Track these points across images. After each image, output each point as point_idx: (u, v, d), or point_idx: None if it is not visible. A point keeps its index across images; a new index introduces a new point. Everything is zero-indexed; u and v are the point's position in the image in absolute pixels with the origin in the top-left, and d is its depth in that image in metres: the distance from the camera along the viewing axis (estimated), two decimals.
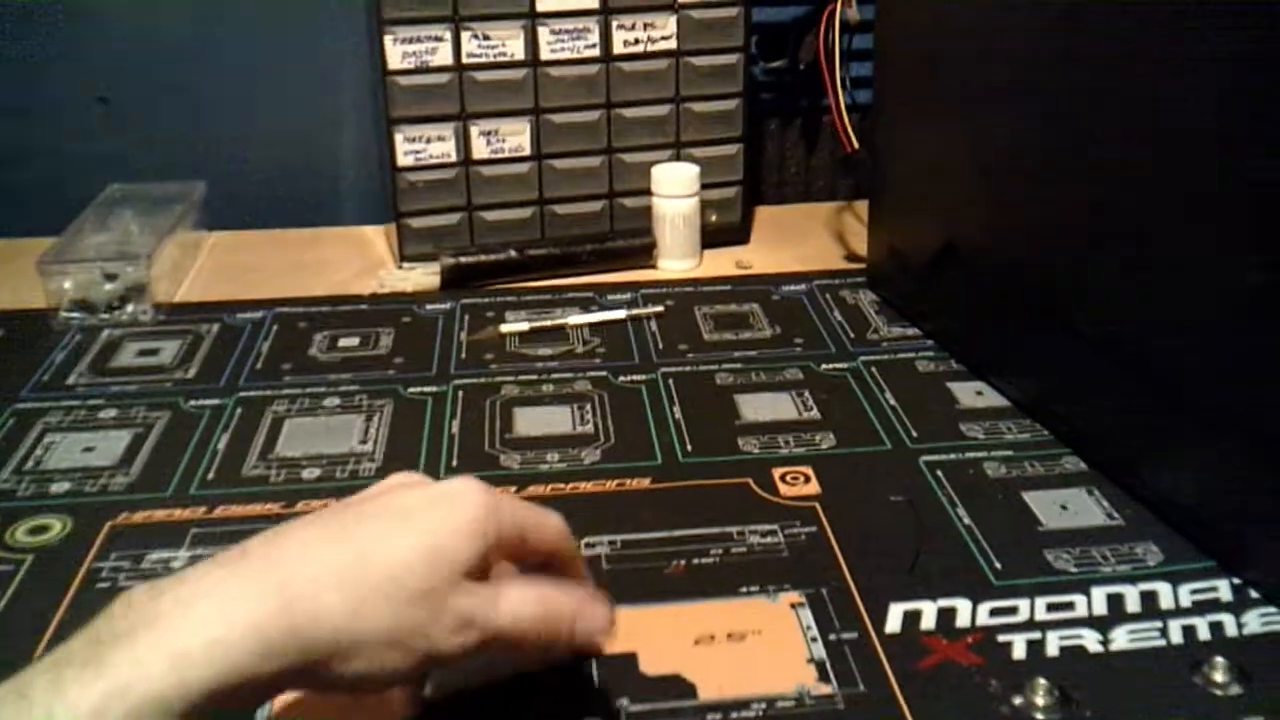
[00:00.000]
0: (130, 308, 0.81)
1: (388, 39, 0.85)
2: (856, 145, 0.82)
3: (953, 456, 0.63)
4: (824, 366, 0.74)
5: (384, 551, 0.37)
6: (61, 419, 0.68)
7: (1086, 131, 0.58)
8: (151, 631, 0.33)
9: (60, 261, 0.80)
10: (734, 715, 0.46)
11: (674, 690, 0.47)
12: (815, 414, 0.68)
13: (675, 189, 0.89)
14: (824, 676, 0.48)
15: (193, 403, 0.70)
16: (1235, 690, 0.46)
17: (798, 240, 0.95)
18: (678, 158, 0.92)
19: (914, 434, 0.66)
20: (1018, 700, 0.46)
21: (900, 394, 0.70)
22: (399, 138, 0.87)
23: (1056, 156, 0.61)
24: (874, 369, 0.73)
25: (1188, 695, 0.46)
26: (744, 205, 0.95)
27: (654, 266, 0.90)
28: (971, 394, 0.70)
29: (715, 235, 0.93)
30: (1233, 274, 0.50)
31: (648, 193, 0.90)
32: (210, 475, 0.63)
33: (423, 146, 0.88)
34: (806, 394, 0.71)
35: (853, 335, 0.78)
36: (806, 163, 1.05)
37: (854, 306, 0.83)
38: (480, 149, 0.89)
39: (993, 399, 0.69)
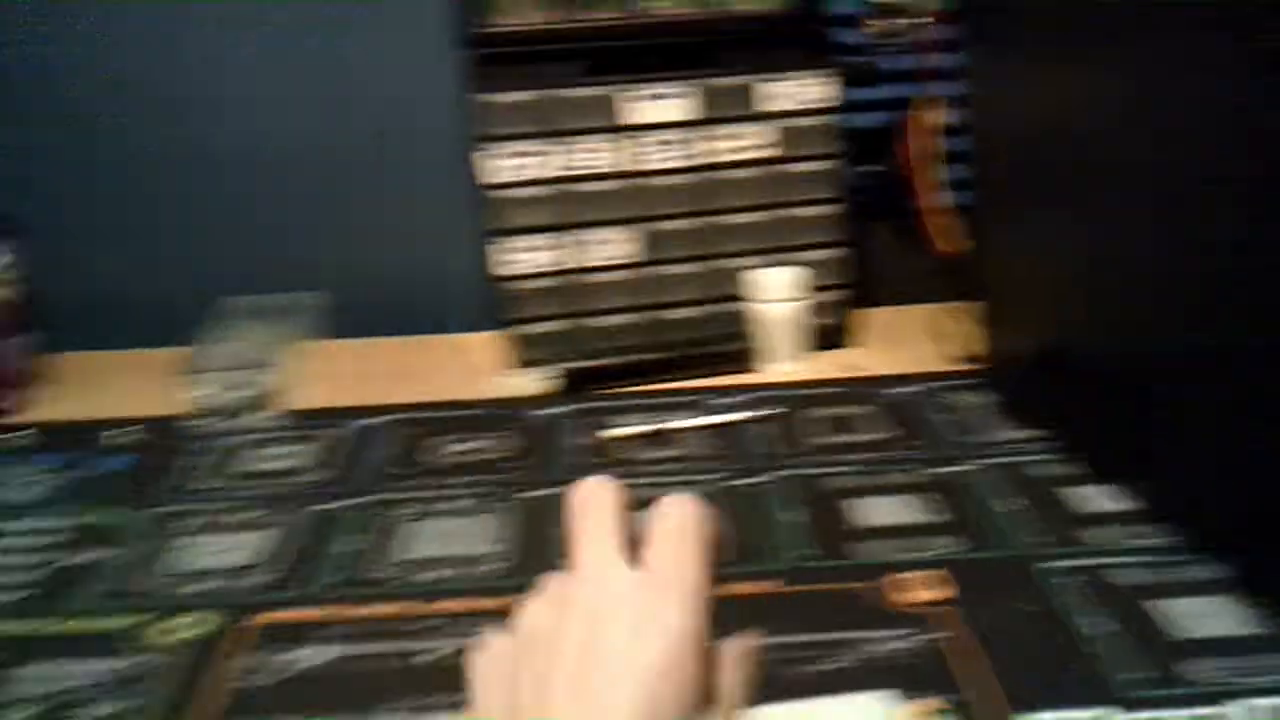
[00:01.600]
0: (257, 414, 0.84)
1: (488, 153, 0.88)
2: (953, 246, 0.83)
3: (1078, 563, 0.63)
4: (941, 470, 0.74)
5: (642, 659, 0.37)
6: (199, 521, 0.71)
7: (1203, 226, 0.58)
8: None
9: (192, 371, 0.84)
10: None
11: None
12: (936, 518, 0.68)
13: (777, 293, 0.90)
14: None
15: (321, 506, 0.72)
16: None
17: (902, 342, 0.96)
18: (779, 262, 0.93)
19: (1036, 539, 0.66)
20: None
21: (1020, 498, 0.70)
22: (506, 247, 0.90)
23: (1171, 252, 0.61)
24: (992, 472, 0.73)
25: None
26: (847, 308, 0.96)
27: (759, 370, 0.91)
28: (1093, 499, 0.70)
29: (819, 338, 0.94)
30: None
31: (750, 297, 0.91)
32: (343, 575, 0.64)
33: (529, 255, 0.90)
34: (925, 498, 0.71)
35: (967, 438, 0.78)
36: (908, 265, 1.06)
37: (966, 408, 0.83)
38: (585, 257, 0.91)
39: (1117, 504, 0.69)
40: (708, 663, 0.39)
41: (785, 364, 0.91)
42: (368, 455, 0.79)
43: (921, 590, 0.61)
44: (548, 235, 0.91)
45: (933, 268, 1.04)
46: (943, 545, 0.65)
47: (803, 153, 0.93)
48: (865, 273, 1.06)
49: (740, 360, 0.91)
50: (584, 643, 0.38)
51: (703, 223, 0.93)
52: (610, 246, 0.92)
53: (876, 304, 1.06)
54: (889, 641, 0.57)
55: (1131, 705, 0.52)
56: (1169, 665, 0.54)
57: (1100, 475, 0.71)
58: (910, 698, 0.53)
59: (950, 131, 0.87)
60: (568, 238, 0.91)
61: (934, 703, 0.52)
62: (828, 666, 0.55)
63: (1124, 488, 0.69)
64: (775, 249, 0.94)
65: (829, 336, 0.95)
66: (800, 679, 0.54)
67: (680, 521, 0.42)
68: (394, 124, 1.01)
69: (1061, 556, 0.64)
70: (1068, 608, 0.59)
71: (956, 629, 0.58)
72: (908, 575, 0.62)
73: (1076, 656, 0.55)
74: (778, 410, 0.83)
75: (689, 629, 0.39)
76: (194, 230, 1.01)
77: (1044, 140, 0.72)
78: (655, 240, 0.92)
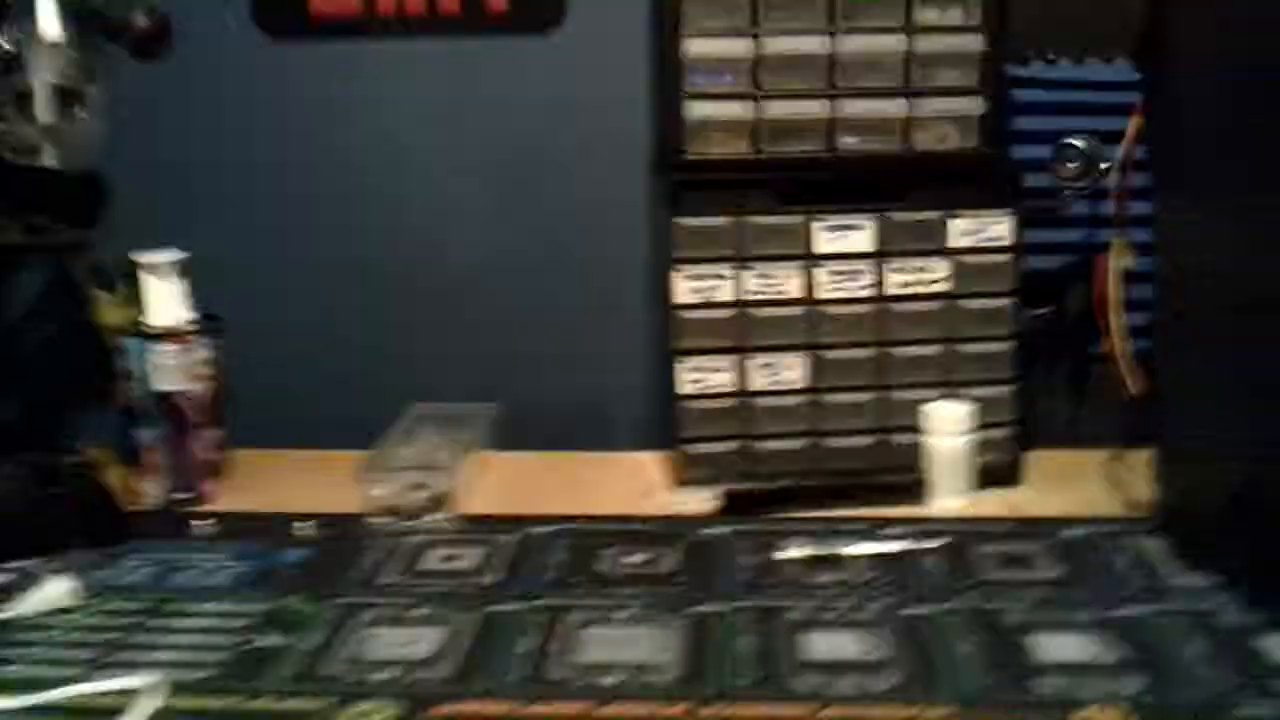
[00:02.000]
0: (435, 515, 0.87)
1: (676, 275, 0.92)
2: (1140, 390, 0.83)
3: (1273, 712, 0.60)
4: (1117, 612, 0.72)
5: None
6: (380, 614, 0.73)
7: None
8: None
9: (375, 471, 0.87)
10: None
11: None
12: (1112, 659, 0.66)
13: (947, 427, 0.90)
14: None
15: (496, 606, 0.74)
16: None
17: (1070, 485, 0.94)
18: (950, 397, 0.94)
19: (1227, 686, 0.63)
20: None
21: (1205, 644, 0.68)
22: (682, 368, 0.92)
23: None
24: (1170, 617, 0.71)
25: None
26: (1015, 447, 0.95)
27: (923, 504, 0.91)
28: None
29: (987, 476, 0.94)
30: None
31: (919, 430, 0.92)
32: (520, 673, 0.66)
33: (704, 376, 0.93)
34: (1100, 637, 0.69)
35: (1144, 583, 0.76)
36: (1076, 409, 1.05)
37: (1140, 553, 0.81)
38: (758, 381, 0.93)
39: None
40: None
41: (951, 500, 0.90)
42: (538, 561, 0.81)
43: None
44: (726, 357, 0.93)
45: (1111, 411, 1.03)
46: (1126, 685, 0.63)
47: (978, 289, 0.94)
48: (1036, 413, 1.05)
49: (904, 493, 0.91)
50: None
51: (874, 353, 0.94)
52: (785, 372, 0.94)
53: (1047, 446, 1.04)
54: None
55: None
56: None
57: None
58: None
59: (1136, 278, 0.87)
60: (747, 361, 0.93)
61: None
62: None
63: None
64: (946, 383, 0.94)
65: (997, 474, 0.94)
66: None
67: None
68: (589, 244, 1.06)
69: (1255, 703, 0.61)
70: None
71: None
72: (1090, 713, 0.61)
73: None
74: (947, 541, 0.83)
75: None
76: (383, 336, 1.07)
77: (1230, 284, 0.72)
78: (826, 368, 0.94)
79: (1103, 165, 0.91)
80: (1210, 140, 0.75)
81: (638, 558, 0.82)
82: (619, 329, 1.06)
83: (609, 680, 0.65)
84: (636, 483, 0.96)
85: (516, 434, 1.04)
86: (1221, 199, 0.73)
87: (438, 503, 0.87)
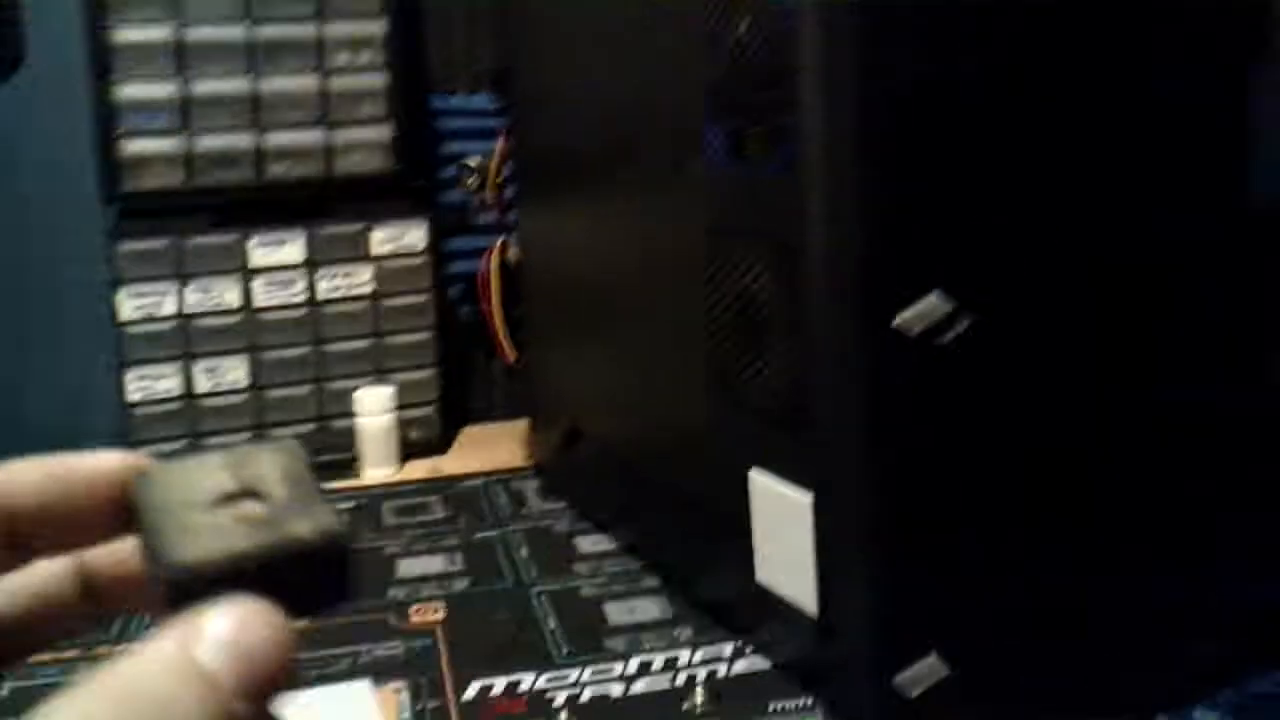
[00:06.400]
0: None
1: (121, 295, 1.02)
2: (514, 363, 1.02)
3: (555, 586, 0.79)
4: (478, 535, 0.89)
5: None
6: None
7: (658, 342, 0.78)
8: None
9: None
10: None
11: None
12: (459, 567, 0.83)
13: (374, 407, 1.05)
14: None
15: None
16: (710, 707, 0.62)
17: (486, 449, 1.12)
18: (380, 383, 1.09)
19: (534, 573, 0.81)
20: None
21: (534, 549, 0.86)
22: (129, 377, 1.02)
23: (636, 358, 0.80)
24: (520, 535, 0.89)
25: (675, 715, 0.61)
26: (441, 423, 1.12)
27: (358, 476, 1.05)
28: (590, 543, 0.86)
29: (416, 448, 1.10)
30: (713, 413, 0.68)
31: (353, 414, 1.06)
32: None
33: (150, 383, 1.03)
34: (459, 555, 0.86)
35: (509, 512, 0.94)
36: (504, 386, 1.24)
37: (517, 492, 0.99)
38: (203, 384, 1.04)
39: (605, 545, 0.86)
40: None
41: (381, 469, 1.05)
42: None
43: (426, 614, 0.75)
44: (171, 364, 1.03)
45: (510, 384, 1.22)
46: (454, 585, 0.80)
47: (400, 289, 1.10)
48: (462, 392, 1.22)
49: (340, 468, 1.05)
50: None
51: (312, 350, 1.07)
52: (230, 374, 1.05)
53: (476, 420, 1.22)
54: (388, 651, 0.70)
55: (541, 671, 0.67)
56: (594, 642, 0.70)
57: (599, 527, 0.88)
58: (380, 684, 0.66)
59: (516, 271, 1.06)
60: (192, 366, 1.04)
61: (396, 684, 0.66)
62: (332, 669, 0.68)
63: (611, 534, 0.87)
64: (377, 371, 1.09)
65: (426, 446, 1.11)
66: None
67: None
68: (47, 271, 1.13)
69: (553, 582, 0.79)
70: (540, 616, 0.74)
71: (442, 638, 0.72)
72: (417, 605, 0.77)
73: (526, 645, 0.70)
74: (358, 504, 0.97)
75: None
76: None
77: (568, 272, 0.91)
78: (269, 367, 1.06)
79: (490, 180, 1.10)
80: (541, 153, 0.95)
81: None
82: (83, 348, 1.13)
83: None
84: None
85: None
86: (552, 207, 0.93)
87: None
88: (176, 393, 1.04)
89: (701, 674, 0.66)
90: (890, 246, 0.54)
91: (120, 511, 0.27)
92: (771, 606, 0.63)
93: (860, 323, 0.54)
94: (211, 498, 0.26)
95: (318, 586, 0.26)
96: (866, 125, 0.55)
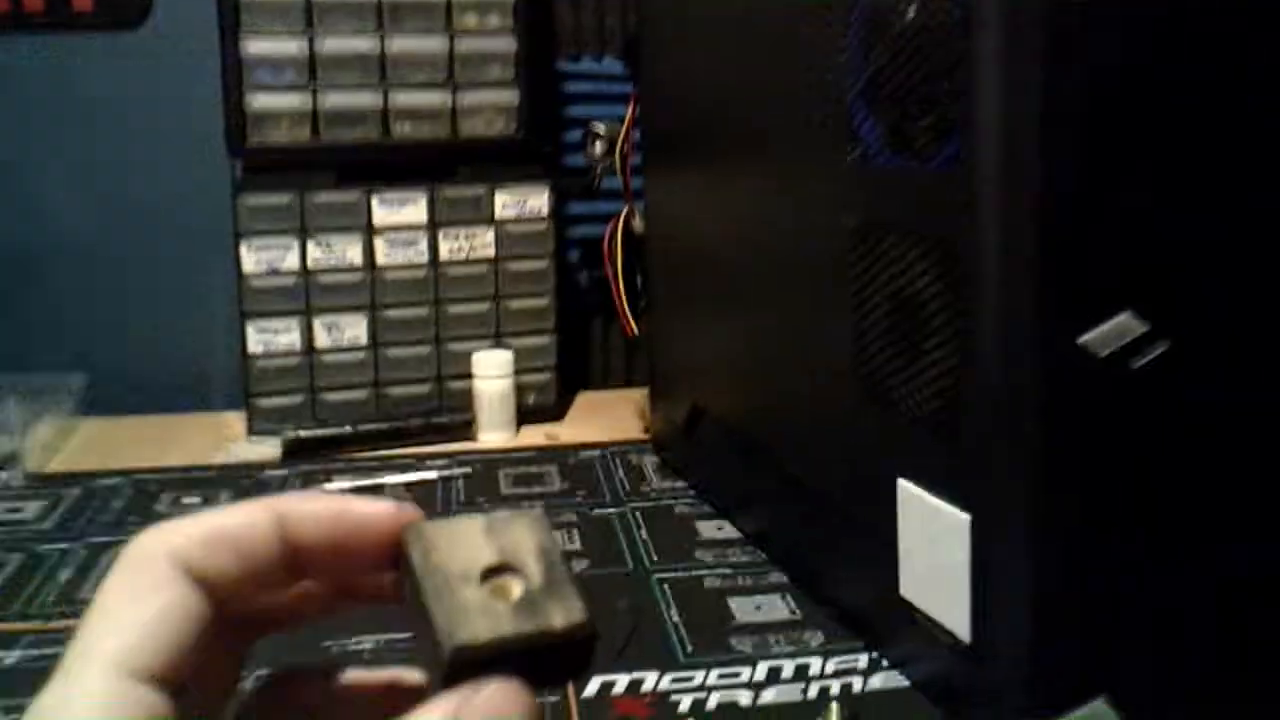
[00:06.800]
0: (3, 474, 0.93)
1: (243, 246, 1.01)
2: (636, 331, 0.99)
3: (681, 574, 0.76)
4: (596, 512, 0.87)
5: None
6: None
7: (797, 315, 0.74)
8: None
9: None
10: None
11: None
12: (577, 546, 0.81)
13: (492, 371, 1.04)
14: None
15: (45, 546, 0.82)
16: None
17: (603, 418, 1.10)
18: (498, 346, 1.07)
19: (655, 559, 0.79)
20: None
21: (654, 530, 0.84)
22: (251, 329, 1.02)
23: (767, 342, 0.77)
24: (639, 513, 0.87)
25: None
26: (561, 388, 1.10)
27: (474, 439, 1.04)
28: (713, 529, 0.84)
29: (534, 413, 1.08)
30: (853, 422, 0.65)
31: (470, 376, 1.05)
32: (49, 599, 0.74)
33: (271, 337, 1.02)
34: (575, 532, 0.84)
35: (628, 489, 0.92)
36: (622, 353, 1.22)
37: (636, 467, 0.97)
38: (323, 340, 1.04)
39: (729, 533, 0.83)
40: None
41: (497, 434, 1.04)
42: (98, 508, 0.89)
43: None
44: (292, 319, 1.03)
45: (628, 353, 1.20)
46: (572, 566, 0.78)
47: (521, 253, 1.08)
48: (580, 357, 1.20)
49: (455, 431, 1.04)
50: None
51: (431, 311, 1.06)
52: (349, 330, 1.04)
53: (594, 387, 1.20)
54: None
55: (665, 670, 0.64)
56: (718, 641, 0.67)
57: (723, 512, 0.86)
58: None
59: (642, 239, 1.03)
60: (314, 320, 1.03)
61: None
62: None
63: (737, 520, 0.84)
64: (496, 335, 1.08)
65: (541, 412, 1.09)
66: None
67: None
68: (176, 224, 1.13)
69: (671, 570, 0.77)
70: (659, 605, 0.72)
71: None
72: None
73: (650, 639, 0.68)
74: (473, 469, 0.96)
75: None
76: None
77: (695, 246, 0.88)
78: (388, 325, 1.05)
79: (617, 146, 1.06)
80: (671, 124, 0.91)
81: (195, 499, 0.91)
82: (205, 298, 1.14)
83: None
84: (215, 438, 1.05)
85: (108, 401, 1.10)
86: (682, 176, 0.90)
87: (7, 461, 0.93)
88: (297, 347, 1.03)
89: (835, 687, 0.63)
90: (1074, 253, 0.49)
91: (388, 559, 0.31)
92: (914, 622, 0.60)
93: (1035, 336, 0.50)
94: (477, 570, 0.30)
95: (562, 666, 0.30)
96: (1051, 116, 0.50)
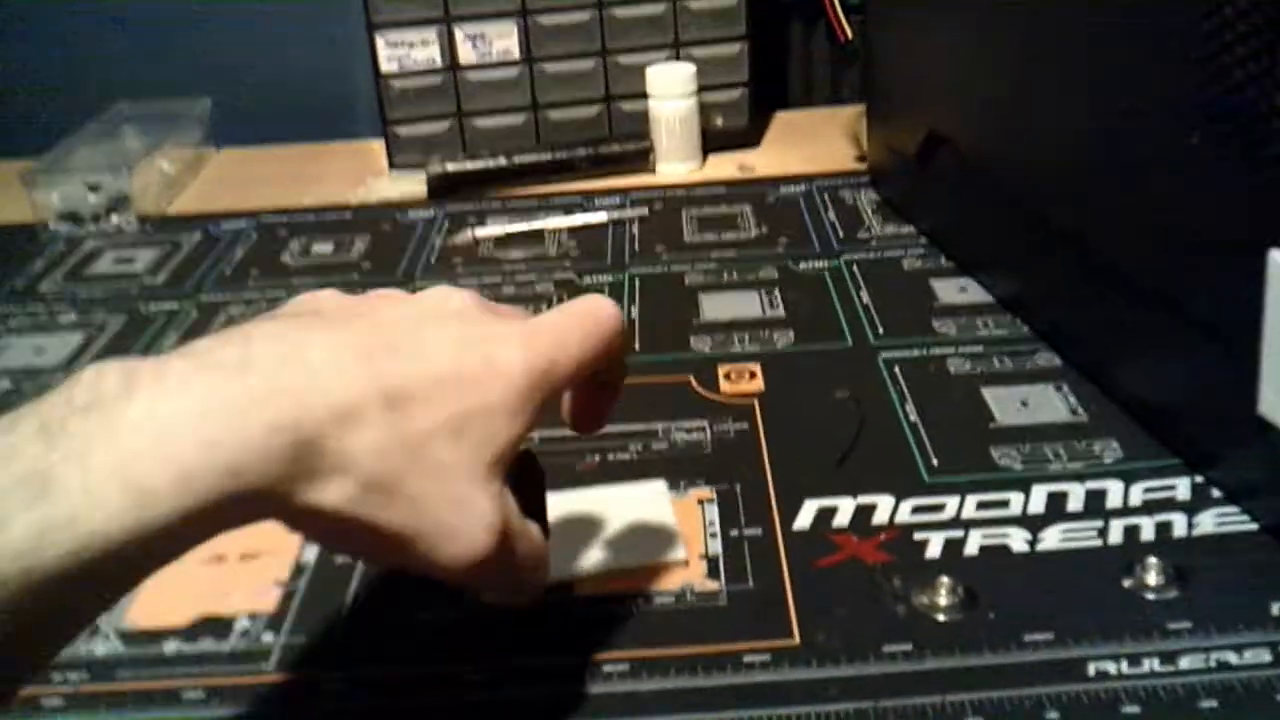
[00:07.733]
0: (115, 219, 0.81)
1: None
2: (850, 36, 0.77)
3: (916, 353, 0.59)
4: (803, 265, 0.70)
5: (446, 364, 0.33)
6: (22, 323, 0.69)
7: (1063, 33, 0.52)
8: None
9: (44, 174, 0.80)
10: (609, 609, 0.43)
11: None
12: (780, 312, 0.64)
13: (672, 89, 0.84)
14: (713, 573, 0.44)
15: (152, 306, 0.70)
16: (1171, 594, 0.41)
17: (809, 143, 0.90)
18: (676, 58, 0.87)
19: (880, 330, 0.61)
20: (919, 600, 0.42)
21: (878, 291, 0.66)
22: (381, 43, 0.85)
23: (1034, 55, 0.55)
24: (856, 267, 0.69)
25: (1113, 598, 0.42)
26: (753, 108, 0.90)
27: (653, 171, 0.86)
28: (954, 290, 0.65)
29: (722, 139, 0.89)
30: (1199, 172, 0.44)
31: (645, 95, 0.86)
32: None
33: (406, 52, 0.85)
34: (777, 293, 0.66)
35: (842, 235, 0.73)
36: (823, 66, 0.99)
37: (851, 206, 0.78)
38: (467, 54, 0.86)
39: (976, 295, 0.64)
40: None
41: (679, 165, 0.86)
42: (217, 258, 0.76)
43: (742, 382, 0.57)
44: (430, 28, 0.85)
45: (838, 65, 0.98)
46: (777, 338, 0.61)
47: None
48: (778, 69, 0.99)
49: (629, 161, 0.86)
50: (389, 320, 0.34)
51: (592, 15, 0.86)
52: (497, 42, 0.86)
53: (794, 106, 0.99)
54: (687, 433, 0.53)
55: (905, 493, 0.48)
56: (974, 453, 0.50)
57: (967, 268, 0.67)
58: (680, 487, 0.49)
59: None
60: (455, 29, 0.85)
61: (701, 492, 0.49)
62: (615, 457, 0.52)
63: (985, 279, 0.65)
64: (673, 44, 0.88)
65: (731, 137, 0.90)
66: (582, 472, 0.51)
67: (582, 305, 0.38)
68: None
69: (902, 347, 0.59)
70: (890, 399, 0.55)
71: (761, 420, 0.54)
72: (729, 367, 0.59)
73: (880, 447, 0.51)
74: (650, 208, 0.79)
75: (517, 372, 0.34)
76: (68, 31, 0.97)
77: None
78: (541, 34, 0.86)
79: None
80: None
81: (326, 247, 0.77)
82: (344, 13, 0.96)
83: None
84: (357, 171, 0.90)
85: (243, 129, 0.96)
86: None
87: (118, 204, 0.81)
88: (436, 63, 0.86)
89: (1147, 527, 0.45)
90: None
91: None
92: (1274, 450, 0.41)
93: None
94: None
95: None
96: None
